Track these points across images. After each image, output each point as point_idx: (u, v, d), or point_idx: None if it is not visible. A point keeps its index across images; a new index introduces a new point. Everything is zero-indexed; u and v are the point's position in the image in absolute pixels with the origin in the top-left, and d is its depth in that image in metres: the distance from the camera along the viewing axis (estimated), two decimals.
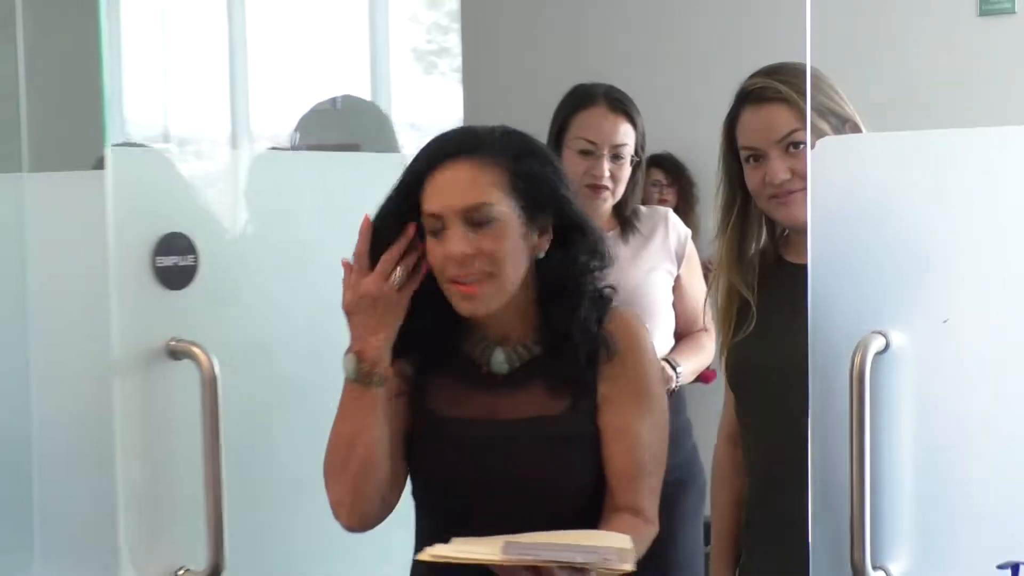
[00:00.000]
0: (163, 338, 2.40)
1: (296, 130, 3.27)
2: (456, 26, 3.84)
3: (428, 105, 4.00)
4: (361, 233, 2.01)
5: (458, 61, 3.81)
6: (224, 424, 2.32)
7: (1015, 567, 1.54)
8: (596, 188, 3.07)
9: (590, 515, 1.97)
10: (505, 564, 1.71)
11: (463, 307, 1.97)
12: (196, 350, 2.33)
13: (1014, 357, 1.77)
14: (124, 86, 3.11)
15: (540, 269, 2.01)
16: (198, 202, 2.64)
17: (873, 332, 1.82)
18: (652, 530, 2.01)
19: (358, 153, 3.26)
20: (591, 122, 3.11)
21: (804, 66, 2.11)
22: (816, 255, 1.88)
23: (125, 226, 2.38)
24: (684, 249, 3.34)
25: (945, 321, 1.78)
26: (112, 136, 2.63)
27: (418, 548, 1.97)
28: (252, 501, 2.46)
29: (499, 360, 2.04)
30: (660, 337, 3.15)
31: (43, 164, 3.00)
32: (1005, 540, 1.64)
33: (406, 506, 2.24)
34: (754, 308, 2.26)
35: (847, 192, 1.90)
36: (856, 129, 2.17)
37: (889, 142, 1.93)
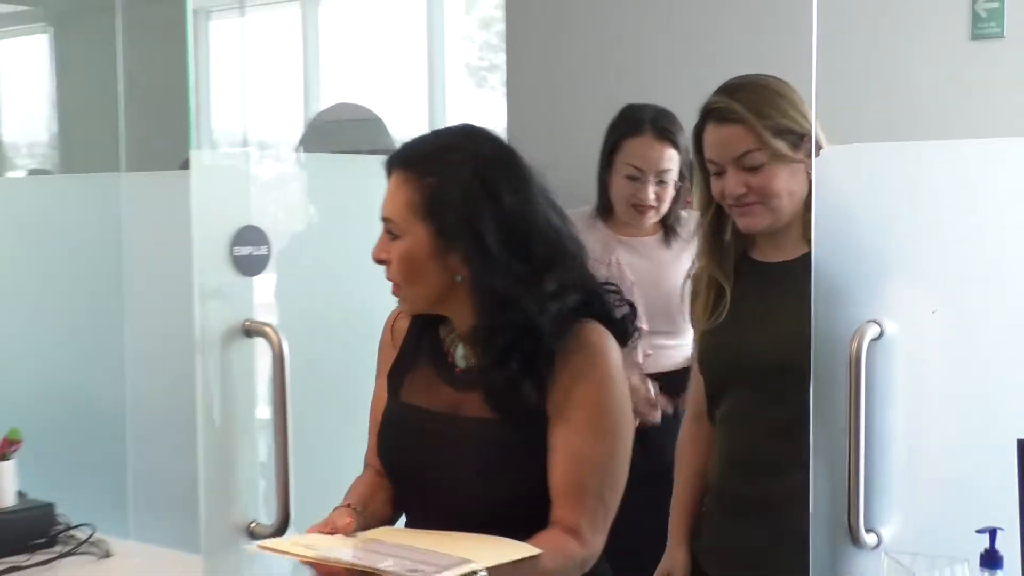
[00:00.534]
0: (239, 319, 2.43)
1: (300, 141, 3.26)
2: (503, 45, 3.83)
3: (479, 114, 4.01)
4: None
5: (505, 76, 3.80)
6: (291, 394, 2.34)
7: (992, 531, 1.53)
8: (642, 210, 3.02)
9: (531, 526, 1.72)
10: (313, 562, 1.58)
11: (406, 308, 1.89)
12: (268, 329, 2.35)
13: (992, 344, 1.77)
14: (212, 98, 3.14)
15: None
16: (270, 199, 2.66)
17: (869, 321, 1.81)
18: (584, 551, 1.74)
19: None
20: (638, 150, 3.01)
21: (765, 83, 2.10)
22: (820, 252, 1.88)
23: (206, 220, 2.40)
24: None
25: (933, 312, 1.77)
26: (197, 141, 2.66)
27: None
28: (315, 462, 2.48)
29: (460, 354, 1.87)
30: None
31: (137, 165, 3.04)
32: (983, 507, 1.62)
33: None
34: (728, 296, 2.16)
35: (847, 195, 1.89)
36: (818, 144, 2.05)
37: (885, 151, 1.92)
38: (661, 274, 2.93)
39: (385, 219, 1.80)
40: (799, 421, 1.97)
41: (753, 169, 2.05)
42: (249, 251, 2.46)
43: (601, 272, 2.01)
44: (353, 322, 2.50)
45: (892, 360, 1.80)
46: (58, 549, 2.61)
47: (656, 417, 2.68)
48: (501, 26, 4.41)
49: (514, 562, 1.60)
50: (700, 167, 2.18)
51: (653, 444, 2.39)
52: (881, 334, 1.81)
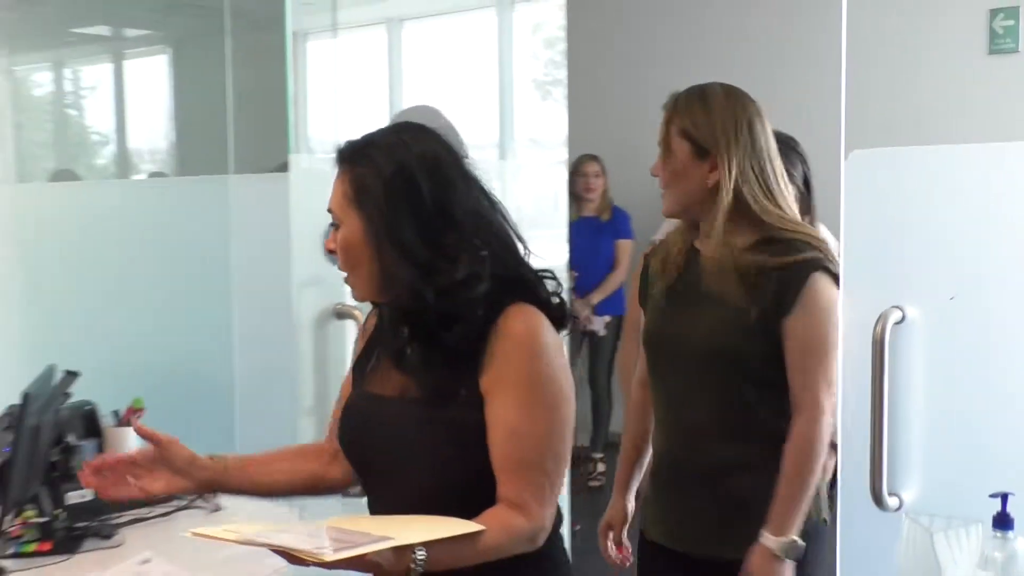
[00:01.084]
0: (331, 303, 2.45)
1: None
2: (565, 62, 3.82)
3: (543, 124, 4.00)
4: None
5: (567, 90, 3.80)
6: None
7: (1004, 496, 1.51)
8: None
9: (486, 505, 1.64)
10: (238, 543, 1.50)
11: (356, 294, 1.79)
12: (356, 312, 2.38)
13: (1004, 327, 1.73)
14: (308, 109, 3.15)
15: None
16: None
17: (892, 307, 1.78)
18: (531, 524, 1.64)
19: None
20: None
21: (707, 94, 2.11)
22: (848, 244, 1.86)
23: (302, 215, 2.43)
24: None
25: (951, 298, 1.75)
26: (296, 146, 2.68)
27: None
28: None
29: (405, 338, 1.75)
30: None
31: (243, 168, 3.07)
32: (996, 474, 1.60)
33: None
34: (673, 280, 2.18)
35: (874, 194, 1.87)
36: (723, 160, 2.07)
37: (909, 154, 1.89)
38: None
39: (328, 210, 1.74)
40: (728, 398, 2.08)
41: (661, 155, 2.12)
42: None
43: None
44: None
45: (913, 341, 1.78)
46: (175, 503, 2.66)
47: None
48: (563, 45, 4.41)
49: (454, 538, 1.53)
50: None
51: None
52: (903, 318, 1.79)
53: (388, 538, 1.47)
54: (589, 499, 5.21)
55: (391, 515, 1.66)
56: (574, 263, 5.70)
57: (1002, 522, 1.52)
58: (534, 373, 1.67)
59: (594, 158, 5.92)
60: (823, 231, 2.76)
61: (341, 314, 2.46)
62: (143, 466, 1.82)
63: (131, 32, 7.12)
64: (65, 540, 2.48)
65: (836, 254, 2.71)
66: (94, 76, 7.33)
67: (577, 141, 3.22)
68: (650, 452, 2.32)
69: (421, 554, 1.50)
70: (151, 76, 7.19)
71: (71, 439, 2.79)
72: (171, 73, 6.96)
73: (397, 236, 1.67)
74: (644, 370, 2.30)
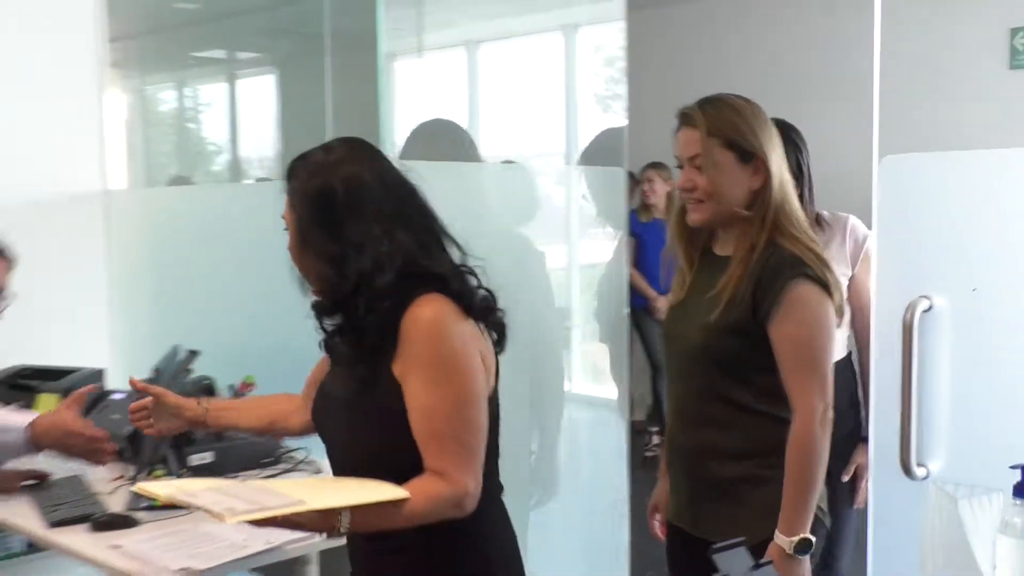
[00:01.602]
0: None
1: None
2: (625, 79, 3.81)
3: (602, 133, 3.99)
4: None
5: (626, 103, 3.78)
6: None
7: (1023, 467, 1.48)
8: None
9: (394, 477, 1.62)
10: (169, 501, 1.55)
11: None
12: None
13: (1022, 315, 1.70)
14: (395, 119, 3.16)
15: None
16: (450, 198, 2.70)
17: (920, 296, 1.77)
18: (453, 489, 1.61)
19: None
20: None
21: (732, 103, 2.02)
22: (880, 240, 1.85)
23: None
24: (860, 251, 2.63)
25: (974, 289, 1.73)
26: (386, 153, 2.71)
27: None
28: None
29: (338, 342, 1.78)
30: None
31: None
32: (1016, 446, 1.57)
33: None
34: (688, 279, 2.11)
35: (904, 195, 1.85)
36: (768, 163, 1.99)
37: (936, 159, 1.86)
38: None
39: (283, 217, 1.80)
40: (707, 389, 2.01)
41: (699, 169, 1.99)
42: None
43: None
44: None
45: (939, 328, 1.76)
46: (281, 467, 2.71)
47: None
48: (622, 63, 4.40)
49: (380, 503, 1.54)
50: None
51: None
52: (931, 307, 1.77)
53: (300, 501, 1.47)
54: (644, 469, 5.20)
55: (329, 477, 1.73)
56: (649, 260, 5.72)
57: (1021, 491, 1.49)
58: (437, 354, 1.65)
59: (657, 166, 5.90)
60: (852, 221, 2.67)
61: None
62: (152, 412, 2.14)
63: (242, 55, 7.24)
64: None
65: (862, 243, 2.62)
66: (210, 94, 7.47)
67: (636, 149, 3.22)
68: None
69: (345, 517, 1.52)
70: (259, 93, 7.31)
71: None
72: (277, 90, 7.07)
73: (313, 238, 1.72)
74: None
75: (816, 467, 1.93)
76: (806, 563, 1.96)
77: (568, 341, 3.44)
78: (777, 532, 1.93)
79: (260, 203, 3.19)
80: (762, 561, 1.28)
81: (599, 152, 3.32)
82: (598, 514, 3.33)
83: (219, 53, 7.29)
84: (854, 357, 2.69)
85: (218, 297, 3.36)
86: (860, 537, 2.40)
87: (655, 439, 6.00)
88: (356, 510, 1.53)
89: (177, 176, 6.36)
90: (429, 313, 1.66)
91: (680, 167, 2.05)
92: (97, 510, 2.43)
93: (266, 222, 3.20)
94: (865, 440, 2.41)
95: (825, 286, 1.94)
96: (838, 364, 2.18)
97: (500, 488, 1.81)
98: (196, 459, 2.74)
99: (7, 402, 3.26)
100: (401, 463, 1.64)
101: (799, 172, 2.38)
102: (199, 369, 2.80)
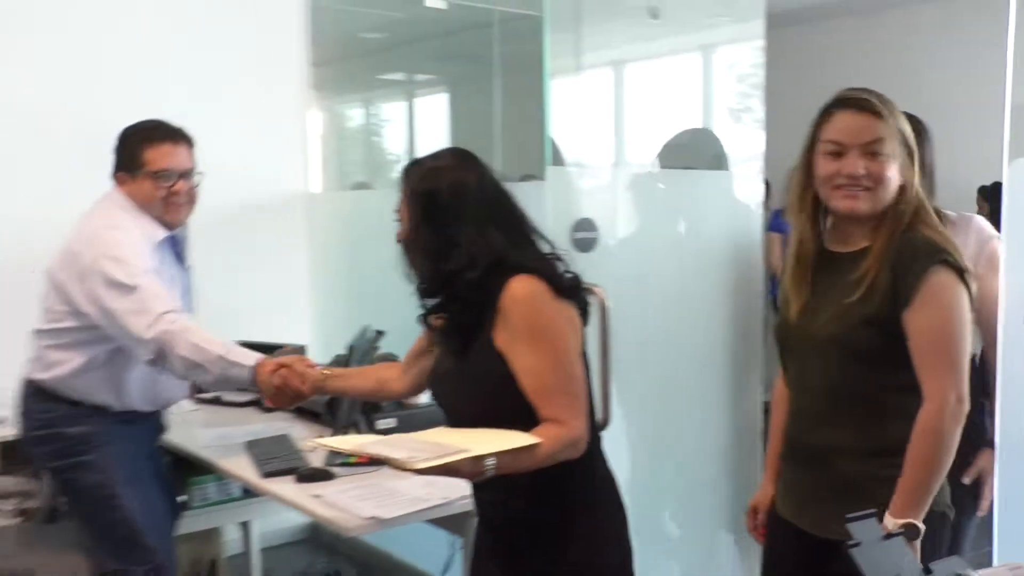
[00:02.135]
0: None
1: (657, 156, 3.23)
2: (757, 93, 3.74)
3: (736, 143, 3.91)
4: None
5: (757, 115, 3.70)
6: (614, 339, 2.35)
7: None
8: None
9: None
10: (349, 452, 1.59)
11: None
12: (597, 290, 2.35)
13: None
14: (550, 126, 3.15)
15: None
16: (597, 198, 2.68)
17: None
18: (570, 433, 1.67)
19: (693, 170, 3.16)
20: None
21: (882, 98, 1.81)
22: (1009, 238, 1.74)
23: (555, 213, 2.45)
24: (983, 253, 2.28)
25: None
26: (553, 160, 2.72)
27: None
28: (627, 384, 2.49)
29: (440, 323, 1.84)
30: None
31: (504, 179, 3.15)
32: None
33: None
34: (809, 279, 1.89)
35: None
36: (914, 161, 1.81)
37: None
38: None
39: (395, 212, 1.83)
40: (839, 384, 1.80)
41: (874, 155, 1.77)
42: (584, 235, 2.50)
43: None
44: (660, 286, 2.47)
45: None
46: None
47: None
48: (754, 79, 4.30)
49: (516, 449, 1.57)
50: (807, 155, 1.86)
51: None
52: None
53: (465, 450, 1.51)
54: None
55: (469, 428, 1.70)
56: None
57: None
58: (535, 322, 1.69)
59: None
60: (978, 221, 2.36)
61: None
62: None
63: (419, 77, 7.39)
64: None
65: (985, 243, 2.28)
66: (391, 111, 7.64)
67: (773, 157, 3.14)
68: None
69: (491, 462, 1.56)
70: (434, 111, 7.45)
71: None
72: (448, 108, 7.19)
73: (419, 234, 1.77)
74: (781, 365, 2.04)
75: (941, 457, 1.72)
76: (912, 550, 1.71)
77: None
78: (888, 514, 1.73)
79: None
80: (893, 532, 1.23)
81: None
82: None
83: (399, 76, 7.46)
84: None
85: (397, 285, 3.43)
86: (984, 526, 2.17)
87: None
88: (499, 455, 1.57)
89: (360, 182, 6.54)
90: (522, 290, 1.69)
91: (838, 153, 1.80)
92: (301, 464, 2.51)
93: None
94: (990, 445, 2.11)
95: (962, 273, 1.74)
96: None
97: (599, 426, 1.85)
98: (382, 423, 2.80)
99: None
100: (504, 420, 1.67)
101: (922, 165, 2.08)
102: (384, 346, 2.84)
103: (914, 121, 2.14)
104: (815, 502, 1.87)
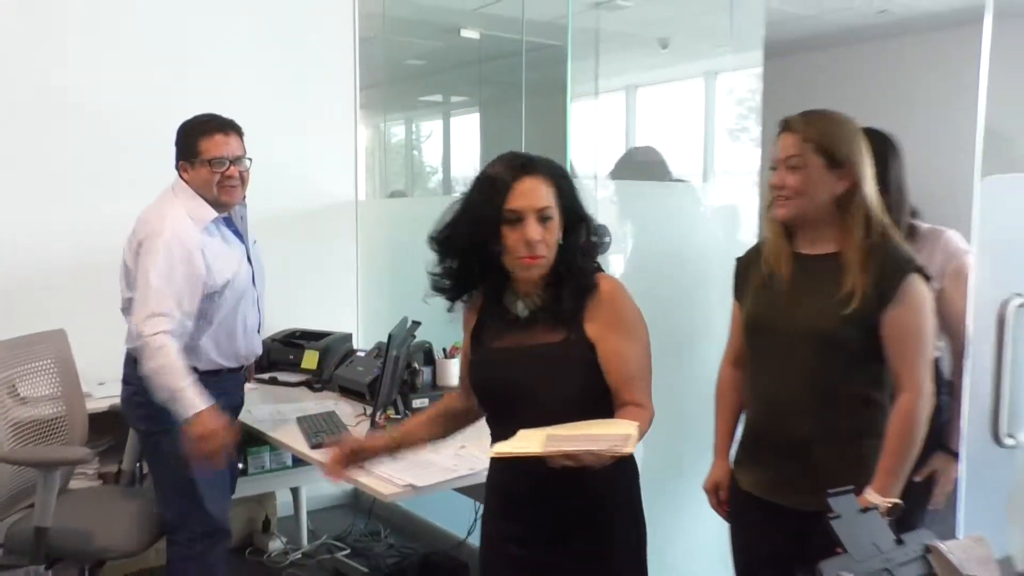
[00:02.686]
0: None
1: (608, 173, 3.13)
2: (754, 115, 3.70)
3: (733, 159, 3.90)
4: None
5: (753, 134, 3.67)
6: None
7: None
8: None
9: (578, 416, 1.52)
10: (547, 455, 1.36)
11: (529, 272, 1.62)
12: None
13: None
14: (571, 144, 3.10)
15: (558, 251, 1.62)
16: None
17: (1014, 294, 1.65)
18: (649, 414, 1.59)
19: (657, 182, 3.07)
20: None
21: (833, 117, 1.81)
22: (979, 247, 1.72)
23: None
24: (948, 267, 2.13)
25: None
26: (571, 173, 2.71)
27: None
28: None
29: (520, 308, 1.66)
30: None
31: None
32: None
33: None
34: (776, 276, 1.86)
35: (1005, 208, 1.72)
36: (856, 170, 1.77)
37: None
38: None
39: (542, 209, 1.59)
40: (817, 376, 1.76)
41: (793, 168, 1.79)
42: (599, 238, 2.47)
43: None
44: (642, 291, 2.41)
45: None
46: None
47: None
48: (751, 103, 4.27)
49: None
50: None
51: None
52: (1022, 304, 1.64)
53: (629, 434, 1.39)
54: None
55: (574, 423, 1.54)
56: None
57: None
58: (626, 315, 1.63)
59: None
60: (948, 236, 2.22)
61: None
62: (348, 460, 1.87)
63: (455, 99, 7.41)
64: None
65: (952, 258, 2.16)
66: (430, 128, 7.68)
67: (767, 173, 3.12)
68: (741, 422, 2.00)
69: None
70: (467, 129, 7.47)
71: (415, 365, 2.94)
72: (481, 126, 7.20)
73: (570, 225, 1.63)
74: (736, 353, 1.99)
75: (916, 439, 1.72)
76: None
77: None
78: (871, 490, 1.70)
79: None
80: (869, 506, 1.23)
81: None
82: None
83: (437, 97, 7.50)
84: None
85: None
86: (951, 501, 2.12)
87: None
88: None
89: (398, 190, 6.58)
90: (615, 285, 1.65)
91: (773, 168, 1.85)
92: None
93: None
94: (944, 448, 2.08)
95: (929, 281, 1.76)
96: None
97: None
98: (418, 402, 2.82)
99: (284, 356, 3.47)
100: (587, 400, 1.60)
101: (884, 180, 1.99)
102: (421, 335, 2.85)
103: (883, 138, 2.12)
104: (796, 483, 1.81)
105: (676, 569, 2.48)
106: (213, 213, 2.48)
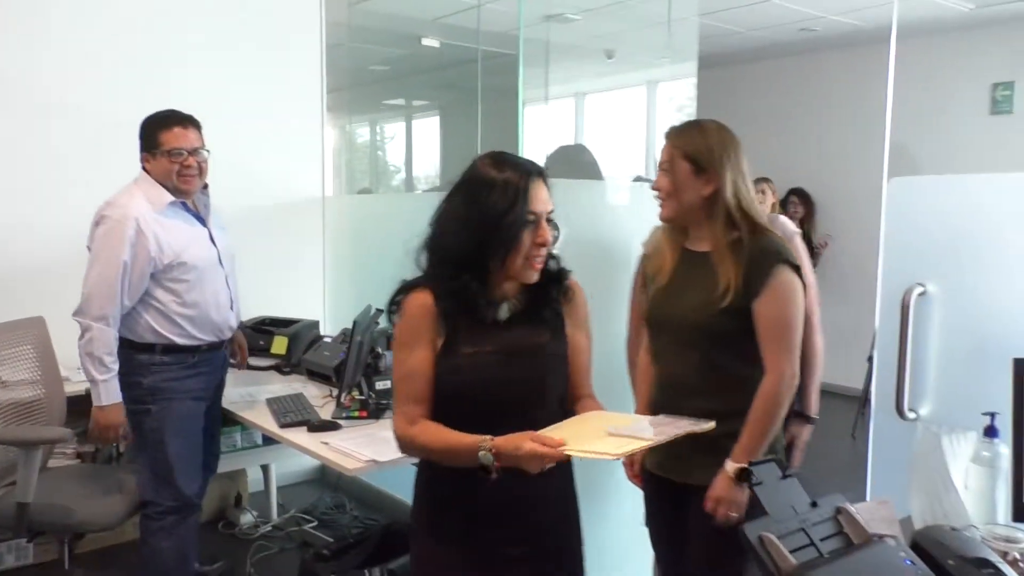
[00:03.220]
0: None
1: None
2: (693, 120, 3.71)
3: None
4: None
5: None
6: None
7: (992, 414, 1.41)
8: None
9: (561, 412, 1.53)
10: (658, 443, 1.33)
11: (535, 276, 1.54)
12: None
13: (992, 299, 1.63)
14: (522, 145, 3.10)
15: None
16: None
17: (916, 283, 1.70)
18: (600, 406, 1.58)
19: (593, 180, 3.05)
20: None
21: (703, 127, 1.83)
22: (887, 242, 1.78)
23: None
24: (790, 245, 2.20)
25: (958, 279, 1.65)
26: None
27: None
28: None
29: (504, 311, 1.54)
30: None
31: None
32: (987, 397, 1.50)
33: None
34: (669, 271, 1.89)
35: (906, 207, 1.77)
36: (719, 175, 1.78)
37: (932, 181, 1.78)
38: None
39: (551, 211, 1.53)
40: (703, 361, 1.78)
41: (664, 173, 1.83)
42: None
43: None
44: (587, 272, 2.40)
45: (930, 307, 1.69)
46: None
47: None
48: (689, 109, 4.31)
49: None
50: None
51: None
52: (924, 292, 1.70)
53: (706, 420, 1.40)
54: None
55: (587, 414, 1.53)
56: None
57: (990, 432, 1.43)
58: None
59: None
60: (781, 219, 2.39)
61: None
62: None
63: (416, 103, 7.37)
64: (375, 410, 2.57)
65: (790, 236, 2.22)
66: (393, 130, 7.62)
67: None
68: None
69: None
70: (427, 130, 7.43)
71: (379, 349, 2.89)
72: (440, 128, 7.18)
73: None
74: (649, 342, 1.99)
75: (776, 418, 1.75)
76: (745, 491, 1.72)
77: None
78: (728, 460, 1.74)
79: (427, 207, 3.26)
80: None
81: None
82: None
83: (400, 101, 7.45)
84: None
85: (395, 272, 3.41)
86: (860, 469, 2.22)
87: None
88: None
89: (364, 187, 6.52)
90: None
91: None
92: (312, 417, 2.52)
93: (426, 221, 3.25)
94: (800, 415, 2.15)
95: (798, 272, 1.77)
96: None
97: None
98: (380, 384, 2.80)
99: (255, 341, 3.42)
100: (565, 396, 1.59)
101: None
102: (384, 321, 2.76)
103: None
104: (679, 457, 1.82)
105: (607, 543, 2.50)
106: (170, 197, 2.48)
